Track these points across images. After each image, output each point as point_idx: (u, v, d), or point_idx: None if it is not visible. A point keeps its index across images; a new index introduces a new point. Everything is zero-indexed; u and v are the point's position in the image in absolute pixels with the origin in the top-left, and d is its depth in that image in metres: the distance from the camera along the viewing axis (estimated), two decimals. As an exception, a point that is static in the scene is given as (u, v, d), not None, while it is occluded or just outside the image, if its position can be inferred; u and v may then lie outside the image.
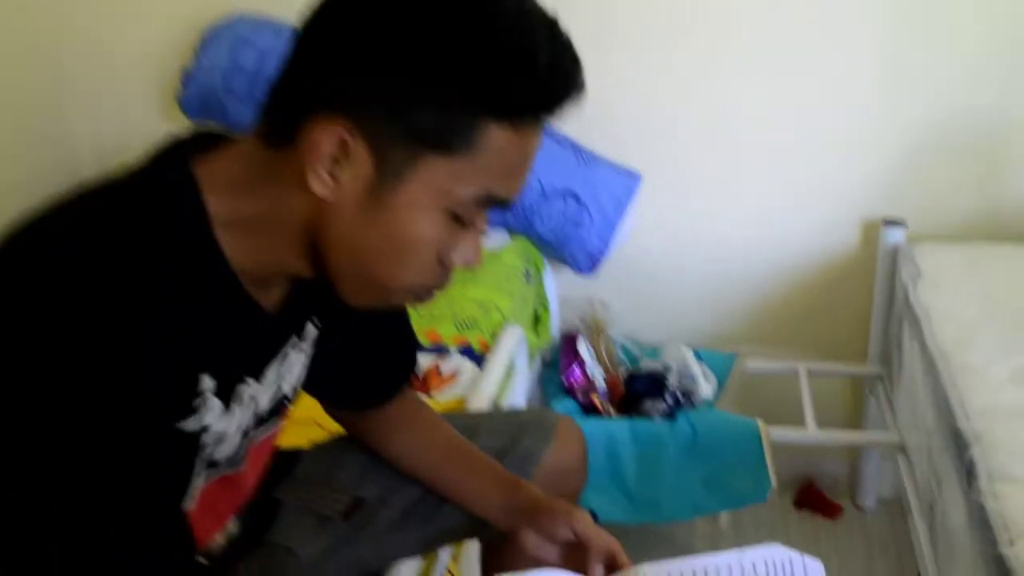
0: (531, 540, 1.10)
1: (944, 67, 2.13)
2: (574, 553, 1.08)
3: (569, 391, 2.21)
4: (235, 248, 0.85)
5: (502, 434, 1.30)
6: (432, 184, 0.81)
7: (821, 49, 2.18)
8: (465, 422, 1.30)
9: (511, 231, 2.29)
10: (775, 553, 0.99)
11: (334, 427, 1.38)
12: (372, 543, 1.20)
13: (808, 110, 2.23)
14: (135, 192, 0.83)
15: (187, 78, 2.29)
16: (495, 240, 2.26)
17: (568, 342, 2.29)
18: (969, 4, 2.08)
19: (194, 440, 0.86)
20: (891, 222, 2.20)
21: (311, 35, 0.83)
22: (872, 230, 2.25)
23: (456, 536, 1.29)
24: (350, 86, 0.80)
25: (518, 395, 1.95)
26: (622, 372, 2.28)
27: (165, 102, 2.45)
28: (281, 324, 0.98)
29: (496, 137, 0.81)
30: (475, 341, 1.82)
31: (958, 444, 1.50)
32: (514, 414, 1.36)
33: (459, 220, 0.85)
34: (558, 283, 2.48)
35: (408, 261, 0.86)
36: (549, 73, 0.80)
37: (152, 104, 2.47)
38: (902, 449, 1.97)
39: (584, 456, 1.37)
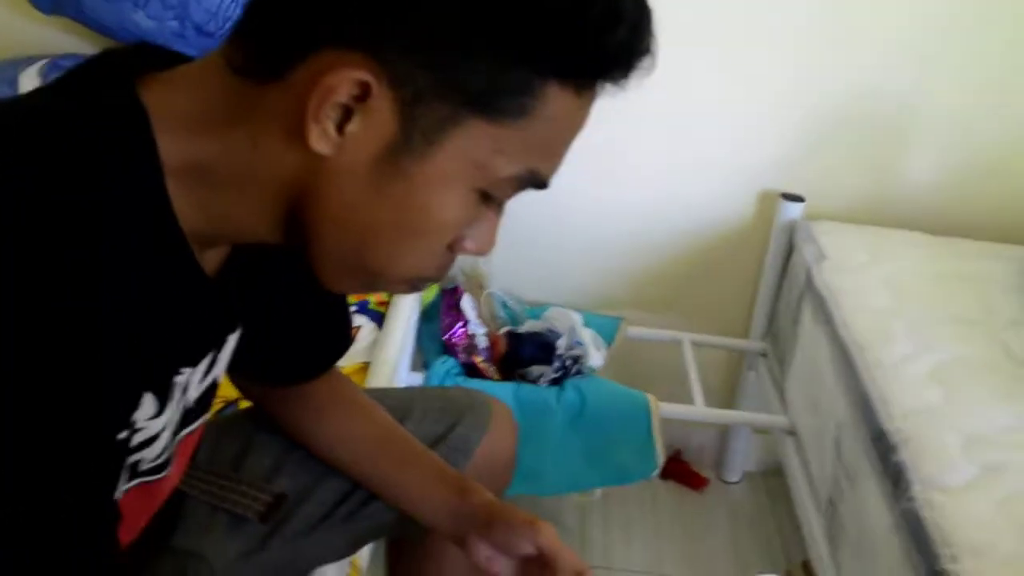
0: (482, 551, 0.97)
1: (856, 48, 2.06)
2: (531, 569, 0.95)
3: (450, 350, 2.07)
4: (185, 203, 0.67)
5: (436, 419, 1.15)
6: (469, 155, 0.67)
7: (733, 16, 2.08)
8: (393, 403, 1.14)
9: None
10: None
11: (230, 391, 1.19)
12: (293, 544, 1.04)
13: (713, 76, 2.13)
14: (65, 124, 0.63)
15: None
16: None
17: (449, 296, 2.14)
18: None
19: (122, 446, 0.68)
20: (789, 197, 2.15)
21: None
22: (768, 204, 2.20)
23: (386, 534, 1.14)
24: (380, 16, 0.62)
25: (404, 355, 1.80)
26: (503, 331, 2.15)
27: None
28: (222, 299, 0.79)
29: (556, 103, 0.67)
30: (372, 297, 1.65)
31: (880, 445, 1.46)
32: (447, 396, 1.21)
33: (488, 200, 0.71)
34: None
35: (417, 245, 0.71)
36: (632, 31, 0.67)
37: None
38: (791, 432, 1.94)
39: (515, 448, 1.23)
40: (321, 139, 0.64)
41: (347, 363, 1.48)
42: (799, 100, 2.12)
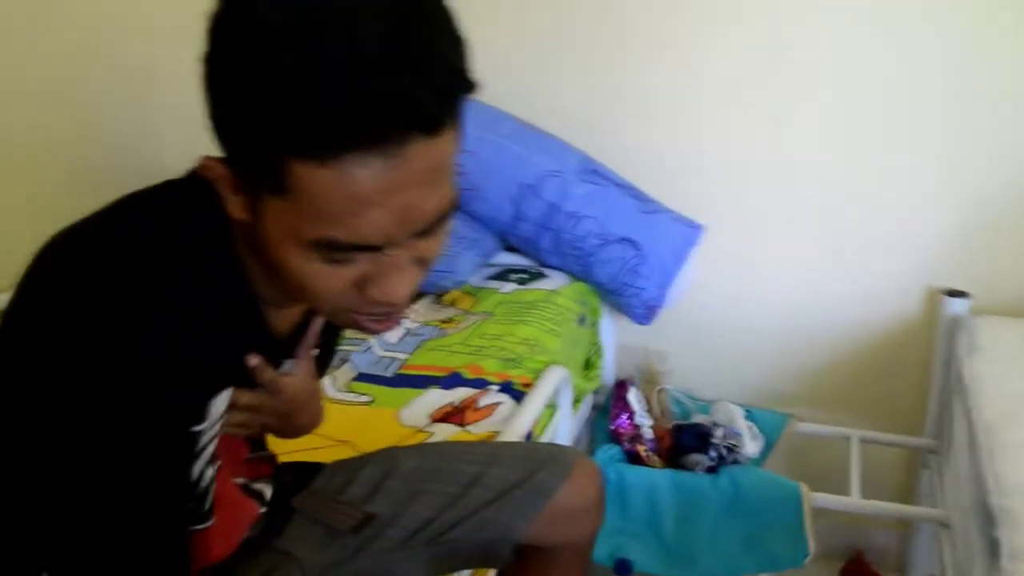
0: None
1: (1018, 137, 2.10)
2: None
3: (615, 438, 2.22)
4: (257, 275, 0.90)
5: (519, 466, 1.31)
6: (279, 224, 0.78)
7: (895, 110, 2.17)
8: (485, 450, 1.33)
9: (570, 274, 2.33)
10: None
11: (364, 448, 1.43)
12: (378, 560, 1.23)
13: (879, 172, 2.21)
14: (170, 208, 0.87)
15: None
16: (553, 282, 2.30)
17: (619, 390, 2.30)
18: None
19: (196, 437, 0.90)
20: (954, 293, 2.17)
21: None
22: (936, 300, 2.22)
23: (467, 563, 1.31)
24: (213, 131, 0.79)
25: (560, 436, 1.97)
26: (672, 424, 2.28)
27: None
28: (285, 346, 1.02)
29: (304, 177, 0.72)
30: (517, 378, 1.84)
31: (988, 521, 1.47)
32: (534, 448, 1.38)
33: (332, 261, 0.79)
34: (618, 330, 2.50)
35: (311, 291, 0.83)
36: (330, 95, 0.69)
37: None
38: (946, 526, 1.93)
39: (600, 498, 1.37)
40: (235, 210, 0.83)
41: (483, 431, 1.67)
42: (964, 192, 2.17)
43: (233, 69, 0.71)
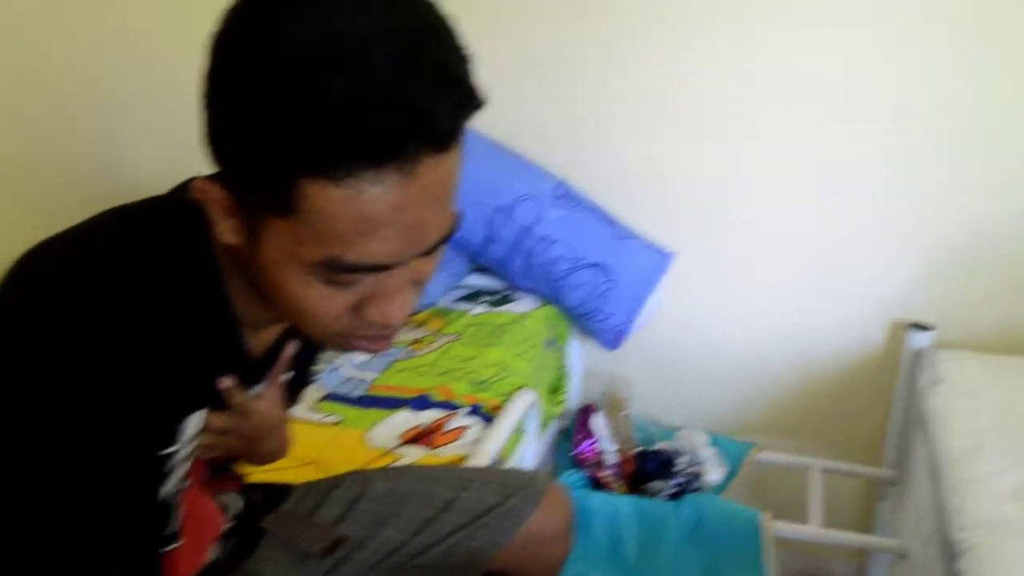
0: None
1: (985, 175, 2.13)
2: None
3: (578, 464, 2.23)
4: (236, 293, 0.89)
5: (492, 491, 1.31)
6: (280, 246, 0.76)
7: (866, 147, 2.20)
8: (459, 474, 1.33)
9: (540, 297, 2.33)
10: None
11: (331, 469, 1.42)
12: (347, 583, 1.23)
13: (847, 207, 2.24)
14: (153, 226, 0.86)
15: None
16: (522, 305, 2.30)
17: (583, 415, 2.31)
18: (1013, 111, 2.09)
19: (166, 459, 0.89)
20: (918, 326, 2.20)
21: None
22: (899, 333, 2.26)
23: None
24: (212, 151, 0.77)
25: (526, 460, 1.97)
26: (636, 451, 2.29)
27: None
28: (259, 368, 1.02)
29: (315, 196, 0.71)
30: (486, 402, 1.84)
31: (949, 555, 1.49)
32: (508, 473, 1.38)
33: (333, 282, 0.78)
34: (585, 354, 2.50)
35: (307, 315, 0.81)
36: (347, 112, 0.68)
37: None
38: (904, 556, 1.95)
39: (570, 526, 1.38)
40: (225, 235, 0.82)
41: (452, 453, 1.67)
42: (930, 227, 2.19)
43: (244, 89, 0.70)
